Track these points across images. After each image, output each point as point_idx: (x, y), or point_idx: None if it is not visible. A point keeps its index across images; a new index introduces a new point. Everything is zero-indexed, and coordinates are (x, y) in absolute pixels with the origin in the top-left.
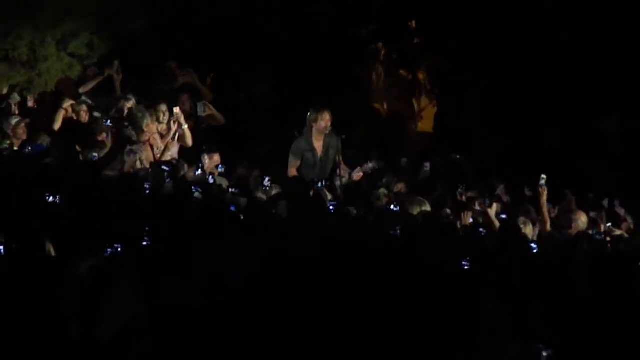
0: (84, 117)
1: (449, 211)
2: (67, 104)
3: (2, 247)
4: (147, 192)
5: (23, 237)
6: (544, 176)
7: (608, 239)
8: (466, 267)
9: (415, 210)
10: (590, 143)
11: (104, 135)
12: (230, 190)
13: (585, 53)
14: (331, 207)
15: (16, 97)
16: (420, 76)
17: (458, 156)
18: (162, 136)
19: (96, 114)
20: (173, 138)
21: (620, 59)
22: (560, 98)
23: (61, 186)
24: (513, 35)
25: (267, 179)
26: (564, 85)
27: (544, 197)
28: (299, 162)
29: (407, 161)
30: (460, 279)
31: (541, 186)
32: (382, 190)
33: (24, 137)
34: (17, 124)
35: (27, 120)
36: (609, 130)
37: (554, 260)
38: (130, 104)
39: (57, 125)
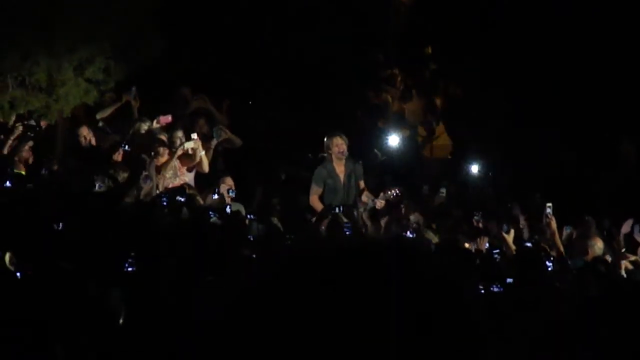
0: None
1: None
2: (85, 131)
3: (19, 273)
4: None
5: (41, 261)
6: (549, 204)
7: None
8: (496, 290)
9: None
10: (607, 166)
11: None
12: (248, 216)
13: (602, 77)
14: (346, 231)
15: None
16: (437, 101)
17: (475, 182)
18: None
19: (116, 137)
20: (190, 170)
21: (637, 82)
22: (577, 122)
23: (79, 213)
24: (529, 61)
25: None
26: (581, 110)
27: (553, 225)
28: (320, 190)
29: (427, 188)
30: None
31: (547, 215)
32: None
33: (30, 160)
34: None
35: (31, 143)
36: (626, 154)
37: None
38: (147, 126)
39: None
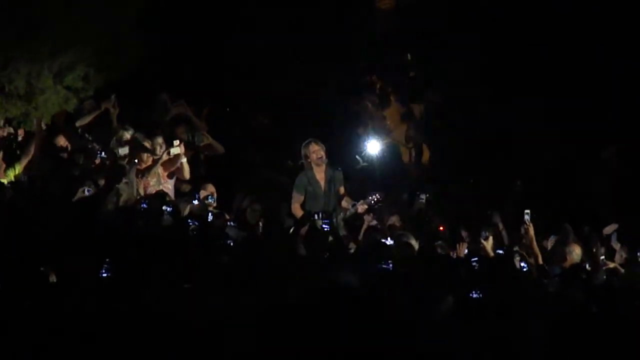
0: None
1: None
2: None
3: None
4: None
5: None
6: (527, 211)
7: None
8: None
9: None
10: (589, 172)
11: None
12: (229, 223)
13: (585, 84)
14: (324, 227)
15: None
16: (416, 108)
17: (456, 188)
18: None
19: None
20: (171, 176)
21: (619, 89)
22: (560, 128)
23: (60, 219)
24: (510, 67)
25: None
26: (564, 115)
27: (531, 232)
28: (302, 197)
29: (407, 195)
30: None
31: (526, 222)
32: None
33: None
34: None
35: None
36: (609, 160)
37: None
38: (129, 134)
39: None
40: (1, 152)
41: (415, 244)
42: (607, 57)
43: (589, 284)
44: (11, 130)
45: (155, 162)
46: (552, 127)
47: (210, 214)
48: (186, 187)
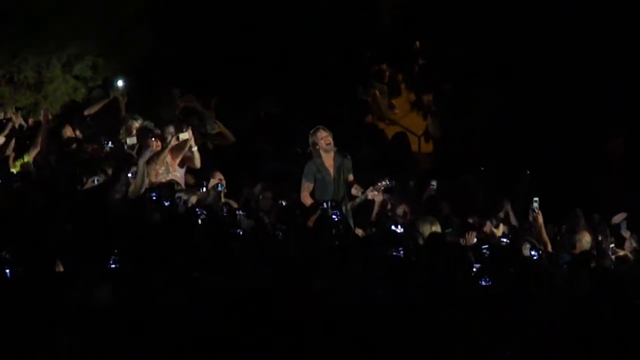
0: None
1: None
2: (69, 130)
3: (8, 270)
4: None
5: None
6: (536, 199)
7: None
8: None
9: (426, 229)
10: (596, 163)
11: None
12: (238, 212)
13: (592, 74)
14: (334, 217)
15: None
16: (425, 97)
17: (466, 177)
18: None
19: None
20: (182, 165)
21: (626, 80)
22: (567, 118)
23: (68, 210)
24: (519, 56)
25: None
26: (570, 106)
27: (540, 220)
28: (311, 185)
29: (414, 184)
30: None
31: (534, 209)
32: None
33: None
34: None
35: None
36: (615, 151)
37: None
38: (138, 124)
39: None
40: (13, 142)
41: (435, 228)
42: (617, 45)
43: (597, 272)
44: (21, 120)
45: (163, 148)
46: (562, 116)
47: (218, 201)
48: (190, 179)
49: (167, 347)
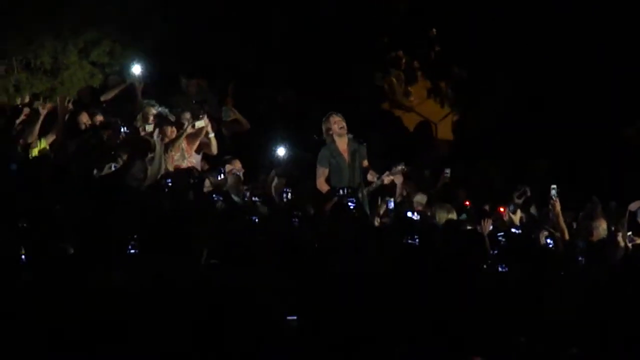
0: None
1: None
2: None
3: (23, 256)
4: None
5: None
6: (554, 186)
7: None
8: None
9: (442, 216)
10: (612, 151)
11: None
12: (252, 199)
13: (607, 61)
14: (351, 205)
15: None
16: (441, 84)
17: (483, 163)
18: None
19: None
20: (198, 151)
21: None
22: (582, 106)
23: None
24: (534, 44)
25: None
26: (586, 94)
27: (558, 207)
28: (327, 170)
29: (429, 172)
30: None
31: (553, 197)
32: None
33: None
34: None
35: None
36: (631, 138)
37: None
38: (155, 110)
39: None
40: (37, 128)
41: (451, 215)
42: (634, 33)
43: (611, 259)
44: (38, 106)
45: (179, 135)
46: (578, 103)
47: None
48: (205, 165)
49: (181, 332)
